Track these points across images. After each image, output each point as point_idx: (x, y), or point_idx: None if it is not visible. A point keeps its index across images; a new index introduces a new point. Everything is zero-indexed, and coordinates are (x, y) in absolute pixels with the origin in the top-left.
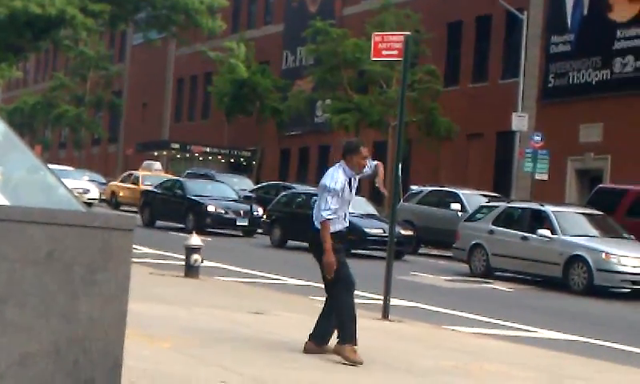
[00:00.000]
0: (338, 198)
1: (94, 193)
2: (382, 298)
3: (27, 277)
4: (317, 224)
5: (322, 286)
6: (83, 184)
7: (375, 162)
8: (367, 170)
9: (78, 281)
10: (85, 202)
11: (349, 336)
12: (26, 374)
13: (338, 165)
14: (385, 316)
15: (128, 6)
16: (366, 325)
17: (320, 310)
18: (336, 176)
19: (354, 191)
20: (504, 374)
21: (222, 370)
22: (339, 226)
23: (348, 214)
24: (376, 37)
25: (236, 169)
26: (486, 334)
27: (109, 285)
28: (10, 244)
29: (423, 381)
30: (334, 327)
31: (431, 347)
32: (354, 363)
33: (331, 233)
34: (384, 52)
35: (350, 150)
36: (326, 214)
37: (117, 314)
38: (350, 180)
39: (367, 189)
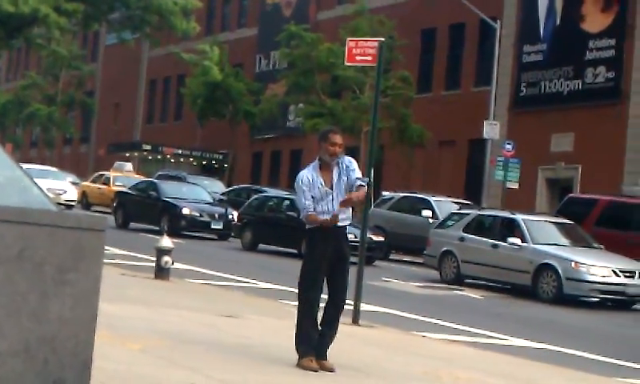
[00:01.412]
0: (308, 192)
1: (72, 194)
2: (353, 302)
3: None
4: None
5: (293, 290)
6: (62, 185)
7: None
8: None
9: (49, 280)
10: (62, 204)
11: (300, 346)
12: None
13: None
14: (355, 321)
15: (102, 6)
16: None
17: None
18: (302, 174)
19: (337, 184)
20: (474, 381)
21: (192, 373)
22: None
23: (340, 211)
24: (350, 42)
25: (208, 171)
26: (456, 341)
27: (80, 285)
28: None
29: None
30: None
31: (402, 353)
32: (314, 369)
33: (314, 227)
34: (358, 57)
35: (320, 138)
36: (304, 210)
37: (87, 314)
38: (335, 168)
39: None
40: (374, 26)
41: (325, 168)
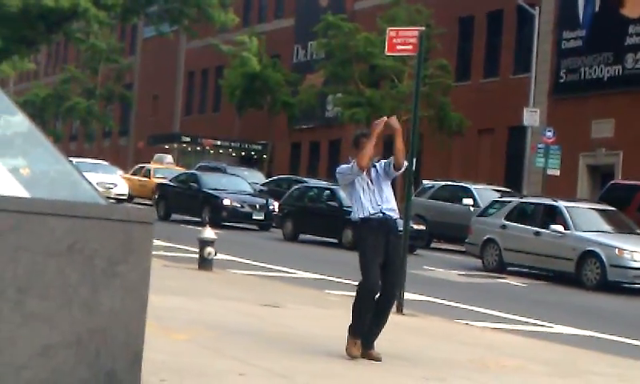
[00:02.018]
0: (353, 168)
1: (123, 188)
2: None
3: (49, 268)
4: (358, 215)
5: (333, 279)
6: (112, 178)
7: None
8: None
9: (99, 273)
10: (113, 198)
11: (352, 331)
12: (48, 365)
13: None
14: (399, 310)
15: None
16: None
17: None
18: (342, 168)
19: (376, 180)
20: (520, 369)
21: (239, 363)
22: (370, 210)
23: (383, 206)
24: (391, 32)
25: (247, 162)
26: (499, 329)
27: (129, 277)
28: (31, 236)
29: (440, 374)
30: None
31: (446, 341)
32: (354, 356)
33: (364, 217)
34: (398, 47)
35: (353, 144)
36: (352, 166)
37: (137, 305)
38: (373, 172)
39: None
40: (411, 15)
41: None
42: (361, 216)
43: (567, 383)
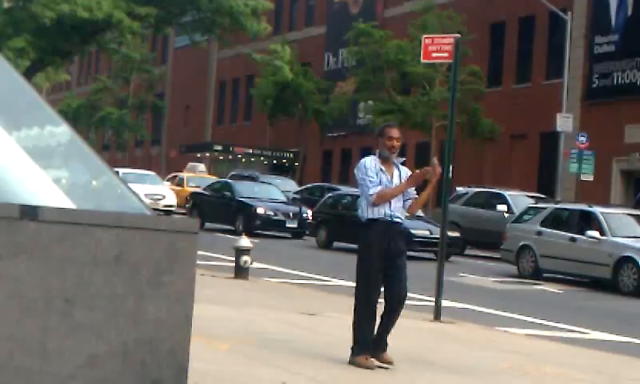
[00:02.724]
0: (372, 175)
1: (171, 199)
2: (433, 299)
3: (95, 279)
4: (365, 214)
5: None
6: (160, 190)
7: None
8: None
9: (145, 283)
10: (161, 209)
11: (357, 344)
12: (95, 376)
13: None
14: (437, 317)
15: (173, 9)
16: (419, 326)
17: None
18: (364, 160)
19: (396, 180)
20: (561, 376)
21: (282, 371)
22: (382, 212)
23: (396, 208)
24: (426, 39)
25: (278, 170)
26: (538, 336)
27: (175, 287)
28: (78, 247)
29: (483, 382)
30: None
31: (485, 349)
32: (370, 367)
33: (375, 218)
34: (434, 54)
35: (377, 134)
36: (371, 191)
37: (183, 315)
38: (395, 169)
39: None
40: (442, 21)
41: (385, 163)
42: (370, 217)
43: None
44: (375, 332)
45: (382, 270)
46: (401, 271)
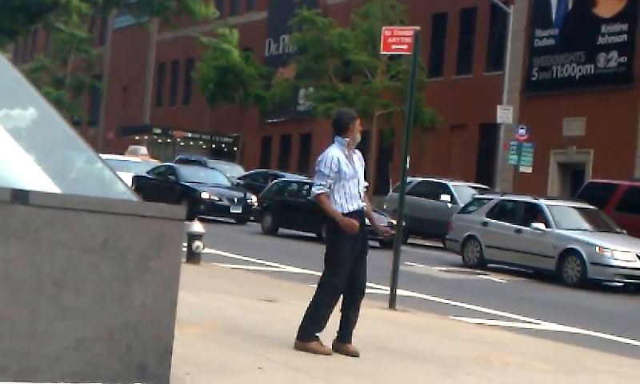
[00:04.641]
0: (331, 171)
1: None
2: (383, 287)
3: (84, 264)
4: (341, 209)
5: (317, 274)
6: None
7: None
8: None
9: (132, 268)
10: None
11: (314, 330)
12: (82, 358)
13: (330, 143)
14: (392, 306)
15: None
16: (375, 314)
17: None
18: (328, 150)
19: (360, 168)
20: (525, 366)
21: (255, 357)
22: (354, 204)
23: (362, 194)
24: (386, 31)
25: (217, 154)
26: (491, 325)
27: (161, 272)
28: (67, 231)
29: (450, 370)
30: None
31: (446, 338)
32: (327, 353)
33: (344, 213)
34: (394, 46)
35: (350, 119)
36: (316, 189)
37: (168, 300)
38: (348, 155)
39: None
40: (385, 11)
41: (349, 151)
42: (346, 211)
43: (575, 381)
44: (339, 324)
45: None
46: (364, 261)
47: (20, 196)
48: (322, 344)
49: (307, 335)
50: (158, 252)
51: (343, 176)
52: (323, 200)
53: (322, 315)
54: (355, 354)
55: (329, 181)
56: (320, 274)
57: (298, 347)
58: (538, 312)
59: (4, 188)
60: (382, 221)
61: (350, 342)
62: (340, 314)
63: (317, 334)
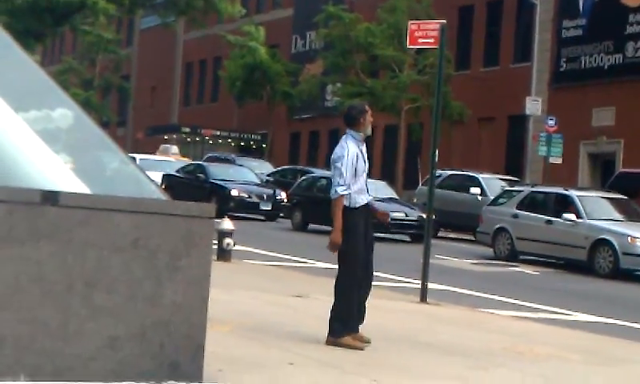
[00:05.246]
0: (352, 168)
1: None
2: (414, 281)
3: (114, 263)
4: (350, 202)
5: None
6: None
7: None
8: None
9: (162, 267)
10: None
11: (345, 327)
12: (114, 357)
13: (344, 137)
14: (423, 299)
15: None
16: (406, 308)
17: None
18: (345, 145)
19: (366, 162)
20: (554, 356)
21: (286, 352)
22: (363, 198)
23: (368, 188)
24: (412, 25)
25: (246, 152)
26: (522, 317)
27: (191, 271)
28: (97, 232)
29: (481, 363)
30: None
31: (476, 330)
32: (360, 348)
33: (357, 207)
34: (420, 40)
35: (360, 112)
36: (340, 190)
37: (199, 298)
38: (362, 150)
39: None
40: (411, 5)
41: (361, 143)
42: (354, 204)
43: (607, 371)
44: None
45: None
46: (372, 251)
47: (50, 197)
48: (353, 338)
49: (338, 331)
50: (188, 250)
51: (359, 172)
52: (340, 203)
53: (347, 310)
54: (368, 341)
55: (345, 182)
56: None
57: (329, 343)
58: (570, 303)
59: (34, 189)
60: (381, 207)
61: (358, 330)
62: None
63: (351, 328)
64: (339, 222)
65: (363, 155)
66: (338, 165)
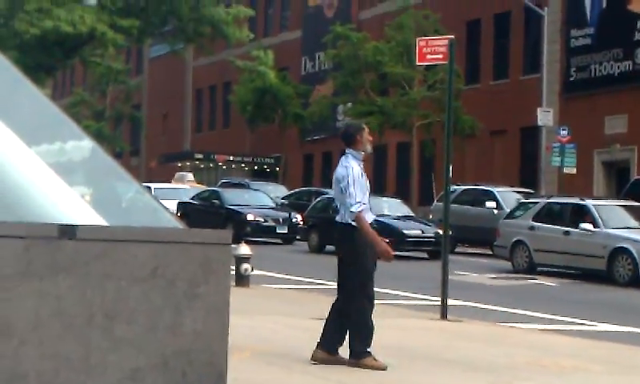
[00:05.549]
0: (360, 185)
1: None
2: (434, 298)
3: (133, 294)
4: (343, 218)
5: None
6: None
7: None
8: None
9: (181, 295)
10: None
11: (365, 346)
12: None
13: (345, 157)
14: (443, 316)
15: (154, 20)
16: (427, 325)
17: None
18: (348, 164)
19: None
20: (578, 369)
21: (310, 377)
22: (368, 216)
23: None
24: (420, 42)
25: (260, 176)
26: (545, 330)
27: (210, 298)
28: (115, 263)
29: (504, 378)
30: (345, 333)
31: (498, 345)
32: (383, 368)
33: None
34: (429, 56)
35: (357, 130)
36: (356, 207)
37: (220, 325)
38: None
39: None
40: (418, 21)
41: (361, 162)
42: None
43: (632, 381)
44: (327, 335)
45: None
46: (375, 269)
47: (67, 231)
48: (374, 359)
49: (359, 352)
50: (206, 277)
51: (363, 190)
52: (363, 218)
53: (367, 330)
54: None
55: (359, 200)
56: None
57: (351, 365)
58: (591, 313)
59: (51, 224)
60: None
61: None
62: (330, 325)
63: (368, 350)
64: (373, 235)
65: (363, 175)
66: (344, 184)
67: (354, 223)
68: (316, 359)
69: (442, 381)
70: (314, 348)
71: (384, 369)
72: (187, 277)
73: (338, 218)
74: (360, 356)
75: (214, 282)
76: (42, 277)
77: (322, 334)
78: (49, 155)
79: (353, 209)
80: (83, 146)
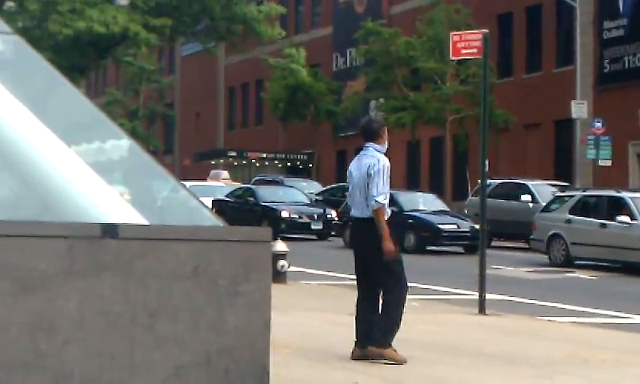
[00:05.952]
0: (387, 178)
1: None
2: (471, 292)
3: (176, 292)
4: (366, 212)
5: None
6: None
7: None
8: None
9: (223, 293)
10: None
11: (392, 338)
12: None
13: (367, 149)
14: (481, 310)
15: (186, 19)
16: (466, 320)
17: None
18: (376, 155)
19: None
20: (619, 362)
21: (350, 372)
22: (389, 210)
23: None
24: (454, 36)
25: (293, 172)
26: (583, 323)
27: (252, 295)
28: (158, 262)
29: (545, 372)
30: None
31: (539, 338)
32: (401, 362)
33: (388, 218)
34: (463, 50)
35: (381, 126)
36: (382, 199)
37: (261, 322)
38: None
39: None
40: (450, 15)
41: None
42: (389, 215)
43: None
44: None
45: None
46: None
47: (110, 230)
48: (395, 350)
49: (385, 342)
50: (247, 275)
51: (387, 183)
52: (383, 213)
53: (397, 324)
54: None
55: (386, 192)
56: (410, 284)
57: (374, 353)
58: (630, 306)
59: (94, 224)
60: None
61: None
62: (361, 321)
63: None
64: (387, 231)
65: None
66: (375, 177)
67: (387, 217)
68: (355, 356)
69: (486, 376)
70: (353, 346)
71: (405, 362)
72: (229, 275)
73: (357, 214)
74: (385, 347)
75: (254, 279)
76: (86, 276)
77: (356, 333)
78: (88, 154)
79: (379, 199)
80: (121, 144)
